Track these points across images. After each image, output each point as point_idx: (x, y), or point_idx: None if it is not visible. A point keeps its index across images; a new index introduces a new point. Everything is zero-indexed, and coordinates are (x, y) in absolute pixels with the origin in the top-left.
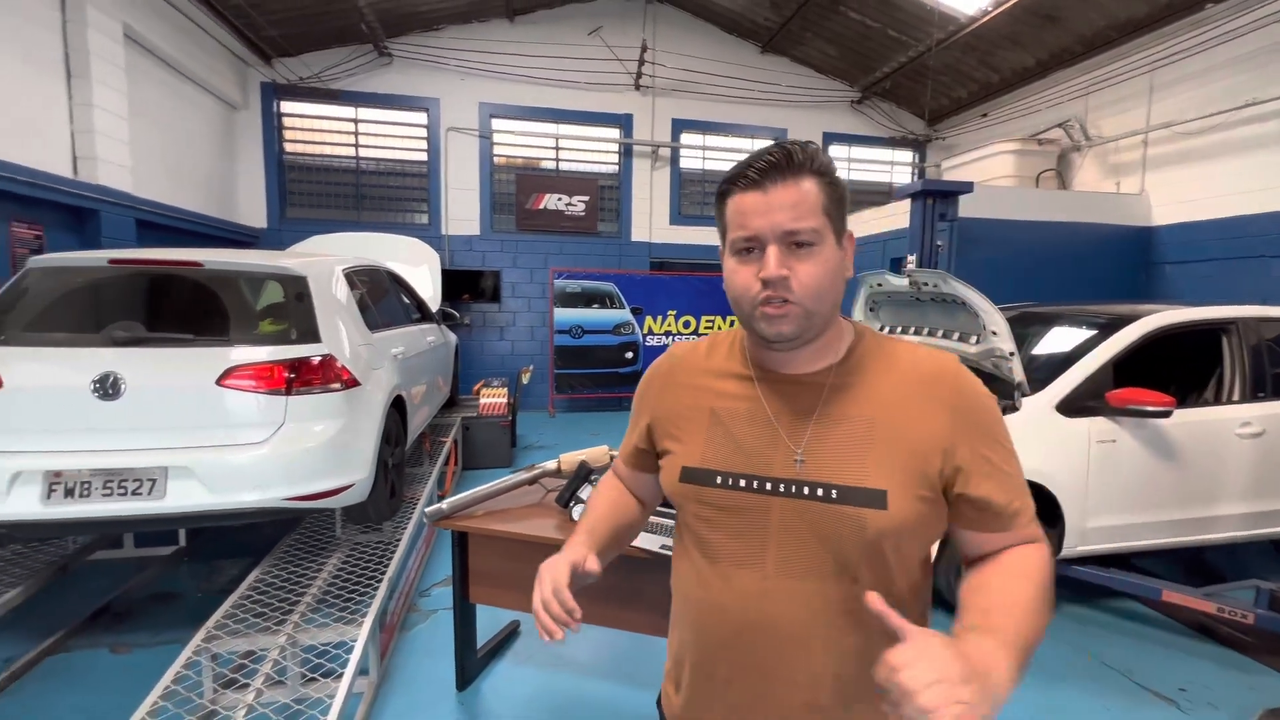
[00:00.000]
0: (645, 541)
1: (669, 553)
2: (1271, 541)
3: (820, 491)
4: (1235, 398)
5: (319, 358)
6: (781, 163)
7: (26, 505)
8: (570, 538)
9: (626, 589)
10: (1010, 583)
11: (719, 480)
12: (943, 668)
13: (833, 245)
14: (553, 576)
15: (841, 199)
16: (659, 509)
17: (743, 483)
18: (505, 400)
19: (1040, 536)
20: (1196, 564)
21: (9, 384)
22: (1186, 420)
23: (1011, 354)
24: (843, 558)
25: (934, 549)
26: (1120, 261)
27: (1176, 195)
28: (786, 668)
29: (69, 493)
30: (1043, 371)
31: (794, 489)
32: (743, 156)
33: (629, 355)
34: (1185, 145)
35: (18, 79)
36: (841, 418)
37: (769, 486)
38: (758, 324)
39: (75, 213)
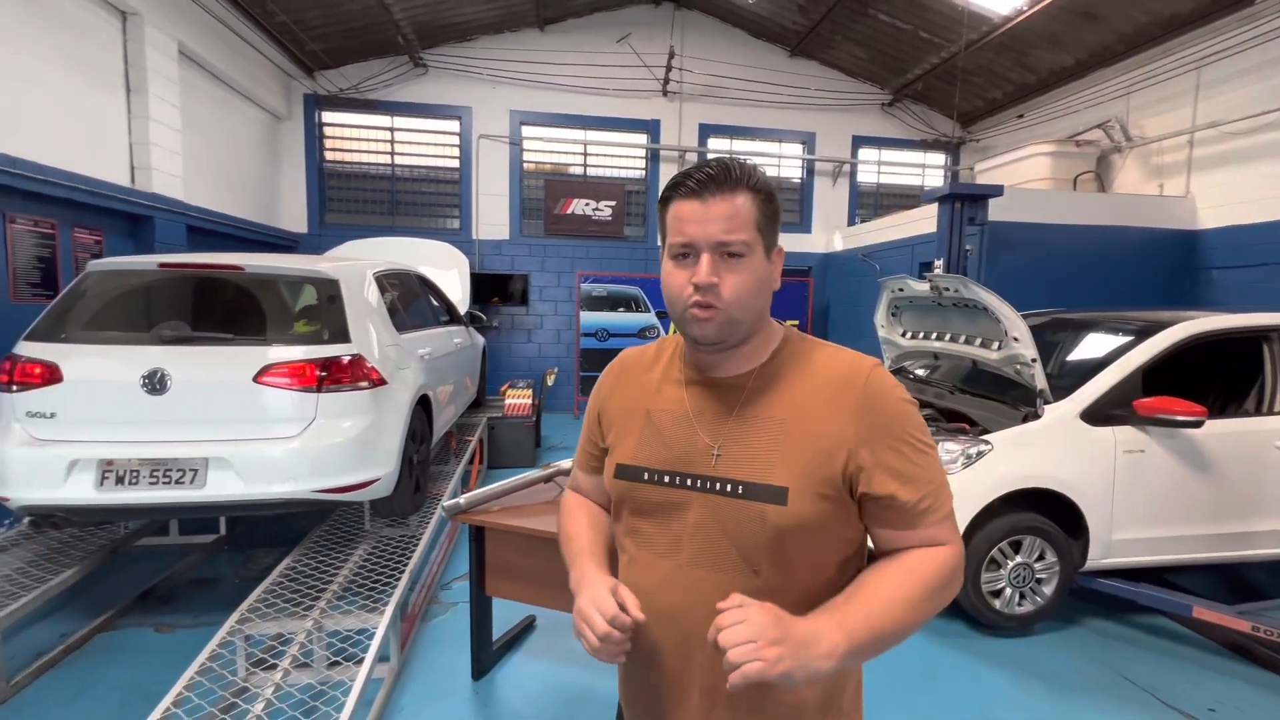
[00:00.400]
0: None
1: None
2: None
3: (729, 487)
4: (1276, 409)
5: (349, 357)
6: (719, 177)
7: (82, 491)
8: (576, 570)
9: None
10: (889, 576)
11: (646, 476)
12: (759, 631)
13: (761, 258)
14: (599, 607)
15: (774, 216)
16: None
17: (666, 478)
18: (530, 401)
19: (949, 539)
20: (1239, 582)
21: (69, 378)
22: (1221, 431)
23: (1034, 360)
24: (745, 551)
25: (858, 550)
26: (1164, 266)
27: (1224, 197)
28: (693, 652)
29: (119, 480)
30: (1070, 379)
31: (708, 484)
32: (770, 161)
33: None
34: (1233, 145)
35: (84, 97)
36: (754, 418)
37: (689, 482)
38: (687, 325)
39: (132, 219)
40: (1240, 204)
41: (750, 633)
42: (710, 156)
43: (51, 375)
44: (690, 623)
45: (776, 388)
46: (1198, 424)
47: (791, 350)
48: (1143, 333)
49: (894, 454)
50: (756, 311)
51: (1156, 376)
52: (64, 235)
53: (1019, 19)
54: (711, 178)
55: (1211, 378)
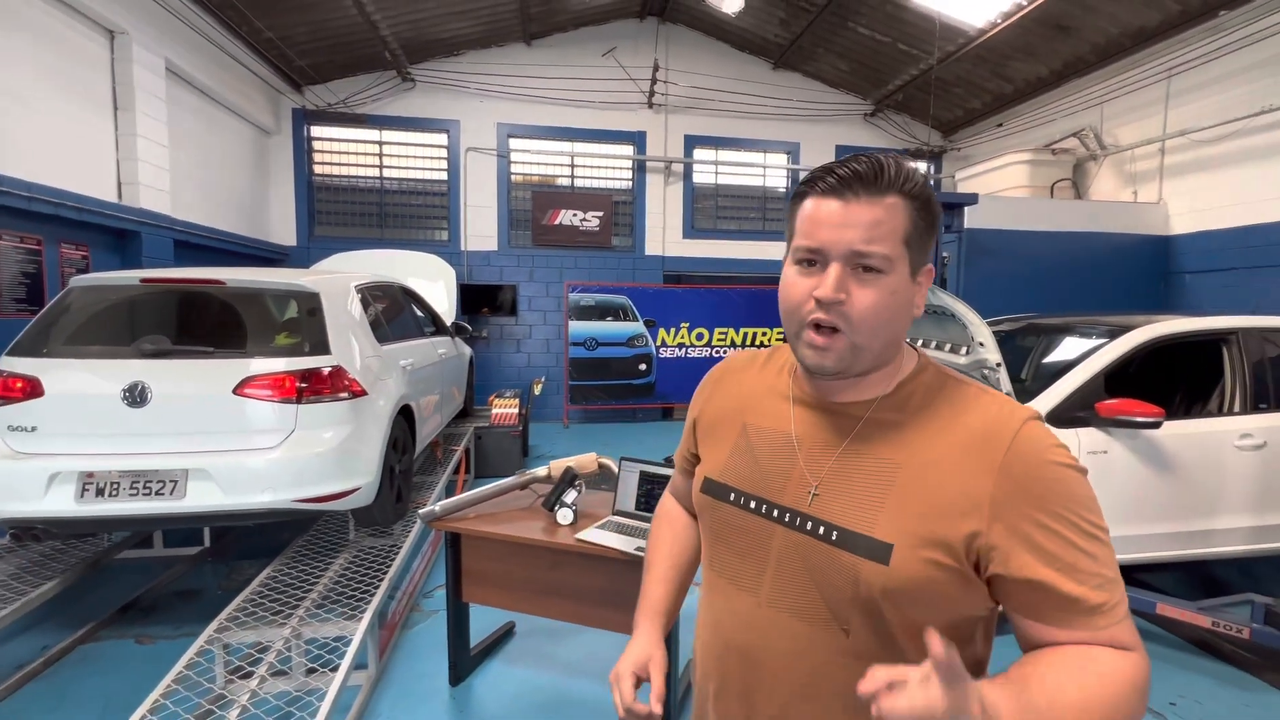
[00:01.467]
0: (620, 543)
1: (645, 554)
2: None
3: (822, 530)
4: (1236, 409)
5: (329, 369)
6: (868, 175)
7: (62, 503)
8: (637, 612)
9: (610, 590)
10: (1072, 670)
11: (732, 497)
12: (929, 703)
13: (904, 277)
14: (622, 692)
15: (929, 228)
16: (634, 512)
17: (753, 504)
18: (517, 411)
19: (1134, 645)
20: (1206, 579)
21: (50, 392)
22: (1182, 431)
23: (998, 365)
24: (834, 605)
25: (980, 633)
26: (1138, 271)
27: (1195, 203)
28: (761, 698)
29: (100, 492)
30: (1041, 382)
31: (797, 521)
32: (755, 170)
33: (642, 367)
34: (1203, 153)
35: (71, 115)
36: (867, 455)
37: (775, 513)
38: (800, 349)
39: (118, 234)
40: (1210, 210)
41: (923, 702)
42: (863, 153)
43: (33, 389)
44: (762, 670)
45: (899, 425)
46: (1156, 425)
47: (926, 383)
48: (1110, 337)
49: (1044, 533)
50: (888, 339)
51: (1125, 379)
52: (50, 251)
53: (994, 31)
54: (858, 175)
55: (1178, 380)
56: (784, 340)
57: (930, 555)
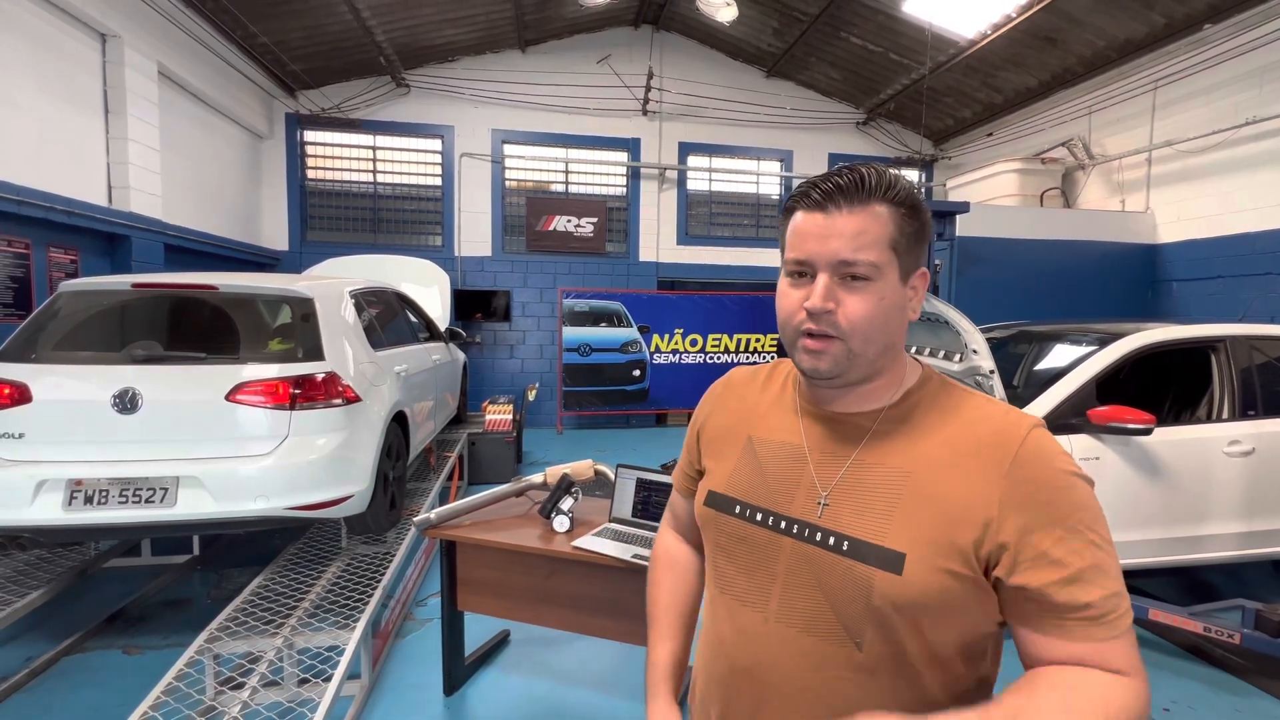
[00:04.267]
0: (616, 551)
1: (641, 562)
2: (1272, 561)
3: (832, 540)
4: (1224, 416)
5: (322, 375)
6: (849, 187)
7: (49, 511)
8: (650, 682)
9: (607, 598)
10: (1052, 701)
11: (738, 510)
12: None
13: (894, 282)
14: None
15: (919, 234)
16: (631, 519)
17: (759, 516)
18: (510, 417)
19: (1132, 670)
20: (1197, 584)
21: (38, 398)
22: (1172, 438)
23: (991, 371)
24: (847, 619)
25: (990, 651)
26: (1127, 279)
27: (1182, 213)
28: (770, 718)
29: (88, 500)
30: (1033, 389)
31: (806, 532)
32: (749, 178)
33: (636, 373)
34: (1189, 163)
35: (61, 117)
36: (875, 465)
37: (783, 525)
38: (797, 355)
39: (108, 238)
40: (1196, 219)
41: None
42: (845, 165)
43: (21, 395)
44: (771, 690)
45: (907, 435)
46: (1147, 431)
47: (931, 394)
48: (1101, 344)
49: (1049, 539)
50: (882, 345)
51: (1115, 387)
52: (38, 255)
53: (984, 42)
54: (840, 188)
55: (1168, 387)
56: (778, 346)
57: (943, 564)
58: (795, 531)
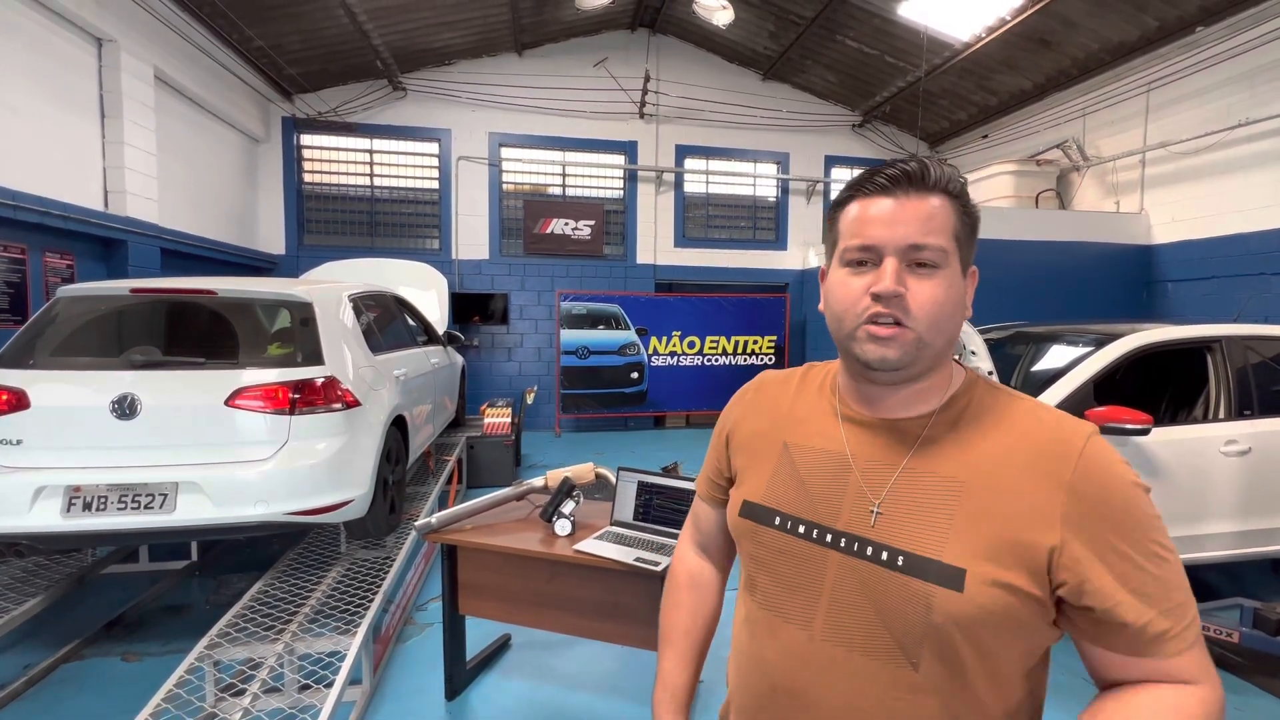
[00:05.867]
0: (618, 554)
1: (644, 566)
2: (1270, 560)
3: (885, 555)
4: (1221, 416)
5: (322, 379)
6: (916, 174)
7: (47, 518)
8: (659, 703)
9: (608, 602)
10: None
11: (778, 521)
12: None
13: (958, 272)
14: None
15: (973, 229)
16: (633, 522)
17: (802, 529)
18: (509, 420)
19: (1203, 677)
20: (1194, 583)
21: (36, 404)
22: (1169, 438)
23: (990, 373)
24: (902, 638)
25: (1044, 660)
26: (1122, 280)
27: (1176, 214)
28: None
29: (87, 506)
30: (1031, 390)
31: (855, 546)
32: (746, 180)
33: (634, 375)
34: (1183, 164)
35: (57, 122)
36: (927, 474)
37: (829, 539)
38: (860, 345)
39: (104, 243)
40: (1190, 220)
41: None
42: (906, 155)
43: (18, 402)
44: (818, 712)
45: (956, 441)
46: (1144, 432)
47: (978, 397)
48: (1098, 345)
49: (1116, 555)
50: (949, 336)
51: (1113, 387)
52: (34, 260)
53: (978, 45)
54: (906, 174)
55: (1165, 387)
56: (775, 347)
57: (1005, 579)
58: (843, 545)
